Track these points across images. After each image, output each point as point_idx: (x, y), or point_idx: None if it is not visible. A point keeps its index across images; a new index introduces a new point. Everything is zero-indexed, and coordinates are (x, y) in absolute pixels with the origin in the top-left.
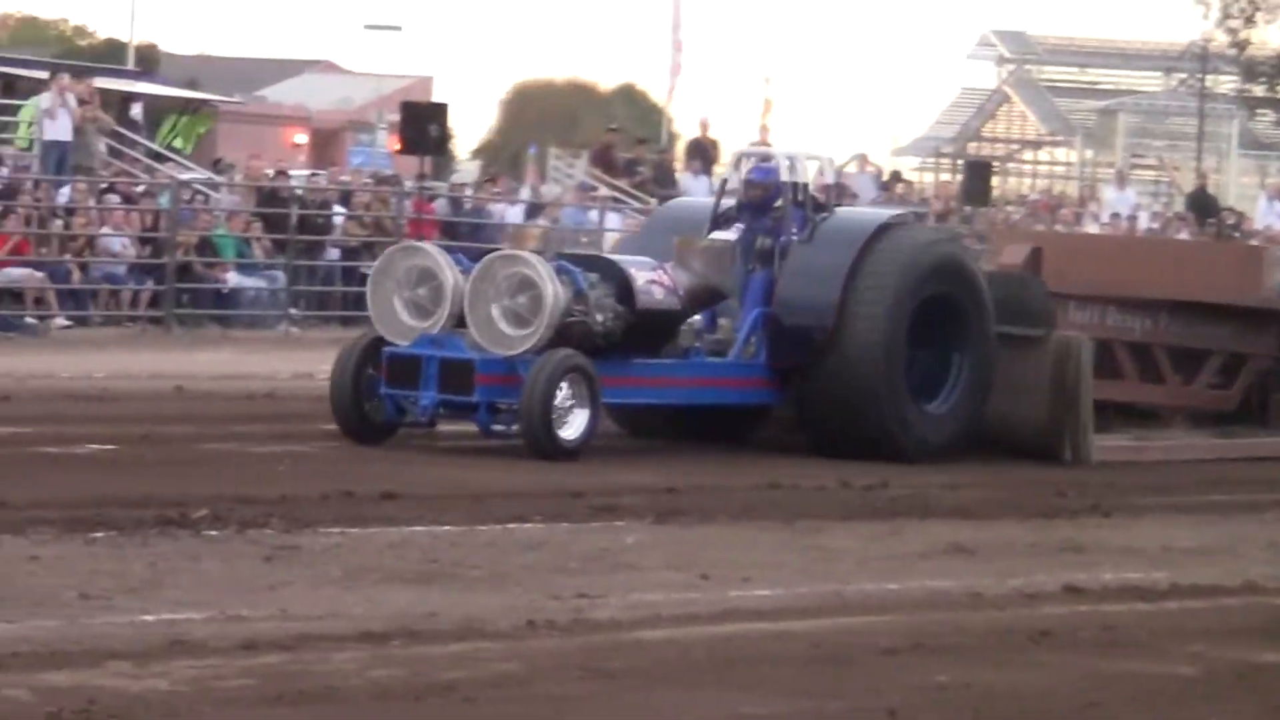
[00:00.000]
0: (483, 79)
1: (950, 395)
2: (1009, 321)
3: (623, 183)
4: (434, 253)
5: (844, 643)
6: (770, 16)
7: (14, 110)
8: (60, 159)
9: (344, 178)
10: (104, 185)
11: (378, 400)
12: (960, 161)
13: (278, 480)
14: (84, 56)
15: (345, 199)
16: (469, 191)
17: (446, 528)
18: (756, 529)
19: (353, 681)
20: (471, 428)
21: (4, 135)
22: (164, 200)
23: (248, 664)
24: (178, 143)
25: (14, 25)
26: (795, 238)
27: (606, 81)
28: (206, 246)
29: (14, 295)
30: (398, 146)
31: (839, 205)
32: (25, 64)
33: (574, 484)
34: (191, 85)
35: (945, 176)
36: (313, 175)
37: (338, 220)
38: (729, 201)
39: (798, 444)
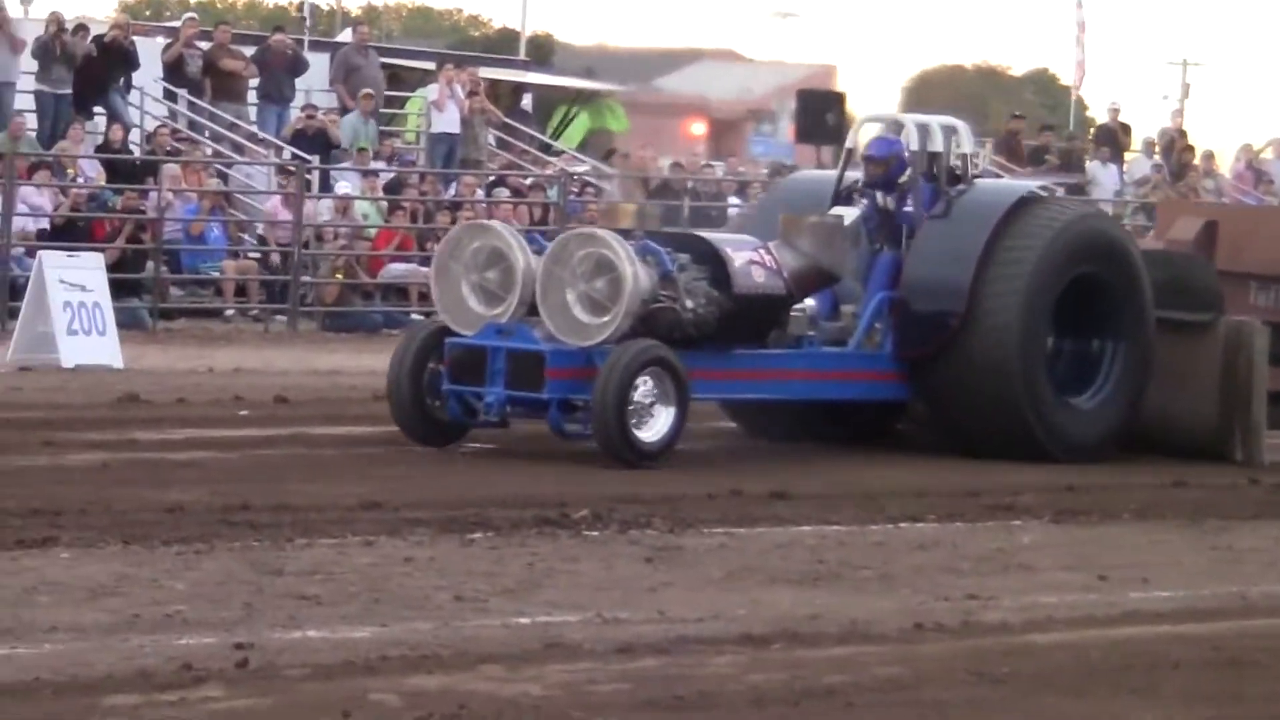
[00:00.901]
0: (885, 66)
1: (1101, 389)
2: (1172, 305)
3: (1028, 172)
4: (504, 232)
5: (1247, 647)
6: None
7: (401, 103)
8: (448, 152)
9: (740, 169)
10: (492, 178)
11: (442, 398)
12: None
13: (662, 479)
14: (476, 47)
15: (741, 190)
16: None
17: (835, 527)
18: (1158, 528)
19: (729, 686)
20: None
21: (391, 128)
22: (553, 193)
23: (623, 668)
24: (567, 135)
25: (406, 15)
26: (925, 214)
27: (1017, 67)
28: None
29: (399, 291)
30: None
31: (978, 178)
32: (412, 55)
33: (971, 482)
34: (586, 74)
35: None
36: (705, 166)
37: (734, 213)
38: (857, 174)
39: (935, 443)
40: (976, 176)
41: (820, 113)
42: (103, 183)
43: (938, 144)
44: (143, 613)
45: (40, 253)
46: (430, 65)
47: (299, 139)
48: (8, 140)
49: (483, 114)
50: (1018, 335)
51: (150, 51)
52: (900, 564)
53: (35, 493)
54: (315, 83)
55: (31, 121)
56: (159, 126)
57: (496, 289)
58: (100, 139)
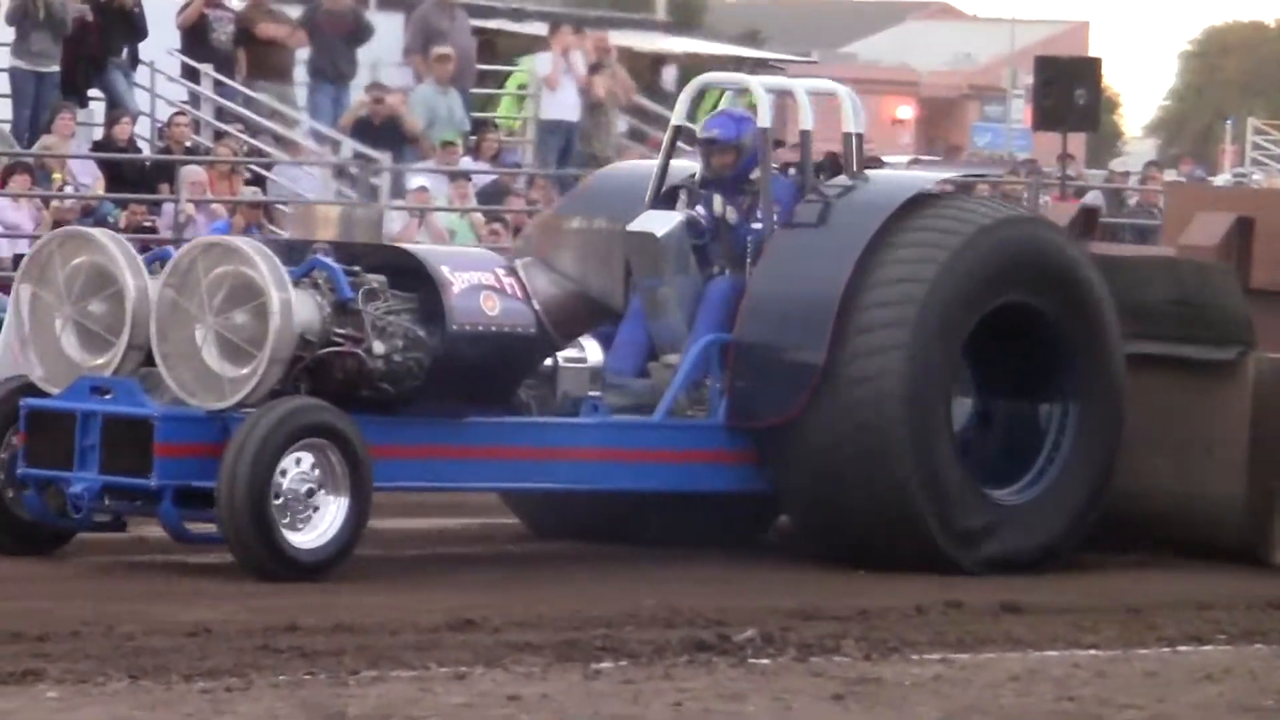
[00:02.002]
0: (1156, 23)
1: (1042, 473)
2: (1181, 339)
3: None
4: (109, 244)
5: None
6: None
7: (500, 80)
8: (565, 145)
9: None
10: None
11: (20, 486)
12: None
13: (854, 587)
14: (601, 4)
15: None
16: (1134, 181)
17: (1091, 652)
18: None
19: None
20: None
21: (486, 114)
22: None
23: None
24: None
25: None
26: (776, 223)
27: None
28: None
29: None
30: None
31: (870, 169)
32: (515, 15)
33: (1272, 591)
34: (749, 40)
35: None
36: (913, 162)
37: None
38: (689, 166)
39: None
40: (868, 167)
41: (1067, 87)
42: (101, 191)
43: (808, 120)
44: None
45: (18, 286)
46: (540, 29)
47: (363, 130)
48: None
49: (611, 94)
50: (903, 396)
51: (163, 14)
52: (1180, 701)
53: (11, 610)
54: (384, 54)
55: (4, 110)
56: (175, 115)
57: (101, 327)
58: (98, 133)
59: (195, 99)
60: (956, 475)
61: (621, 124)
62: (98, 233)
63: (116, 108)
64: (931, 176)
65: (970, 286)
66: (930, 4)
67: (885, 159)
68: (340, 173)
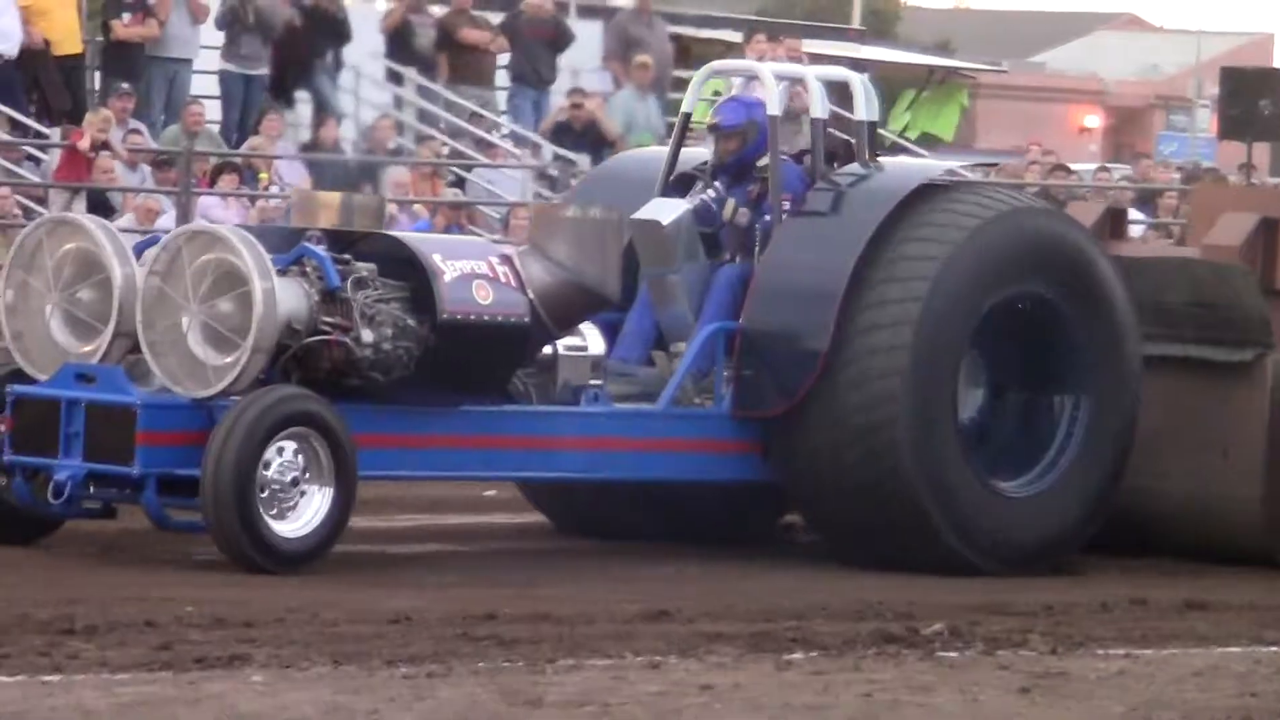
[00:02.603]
0: None
1: (1053, 466)
2: (1198, 339)
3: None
4: (97, 231)
5: None
6: None
7: None
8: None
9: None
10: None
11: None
12: None
13: (1040, 585)
14: (796, 14)
15: (1145, 202)
16: None
17: (1273, 648)
18: None
19: None
20: None
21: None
22: None
23: None
24: (913, 128)
25: None
26: (786, 211)
27: None
28: None
29: None
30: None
31: (885, 156)
32: (711, 23)
33: None
34: (941, 49)
35: None
36: (1100, 170)
37: (1137, 230)
38: (702, 153)
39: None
40: (882, 155)
41: (1252, 97)
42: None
43: (819, 108)
44: None
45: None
46: (735, 37)
47: (562, 133)
48: (183, 135)
49: (801, 100)
50: (909, 387)
51: (368, 19)
52: None
53: (219, 597)
54: (584, 60)
55: (214, 111)
56: (379, 117)
57: (90, 315)
58: (304, 134)
59: (398, 102)
60: (961, 469)
61: None
62: (86, 219)
63: (322, 110)
64: (942, 166)
65: (978, 276)
66: (1118, 15)
67: (1072, 166)
68: (540, 175)
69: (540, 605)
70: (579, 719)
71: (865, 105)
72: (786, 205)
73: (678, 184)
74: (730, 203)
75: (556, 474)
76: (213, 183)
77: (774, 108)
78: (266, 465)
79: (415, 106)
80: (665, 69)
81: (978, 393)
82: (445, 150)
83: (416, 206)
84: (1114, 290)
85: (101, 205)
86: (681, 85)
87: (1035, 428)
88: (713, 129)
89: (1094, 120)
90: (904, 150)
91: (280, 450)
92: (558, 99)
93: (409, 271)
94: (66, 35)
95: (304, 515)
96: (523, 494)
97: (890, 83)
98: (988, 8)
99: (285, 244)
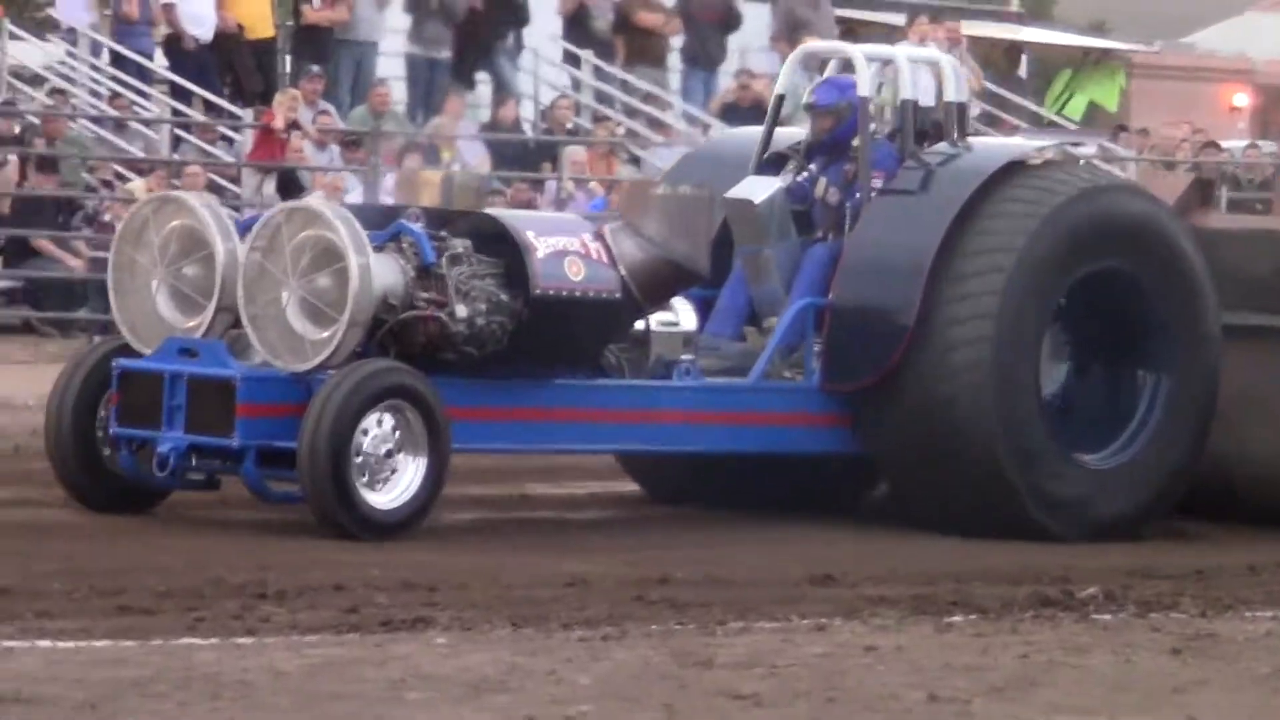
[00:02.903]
0: None
1: (1134, 440)
2: (1267, 308)
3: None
4: (200, 208)
5: None
6: None
7: None
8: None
9: None
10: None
11: (114, 445)
12: None
13: (1191, 549)
14: None
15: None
16: None
17: None
18: None
19: None
20: None
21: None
22: None
23: None
24: (1071, 106)
25: None
26: (875, 191)
27: None
28: None
29: None
30: None
31: (970, 137)
32: (875, 5)
33: None
34: (1096, 30)
35: None
36: (1250, 147)
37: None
38: (797, 133)
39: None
40: (969, 135)
41: None
42: (487, 169)
43: (908, 90)
44: (538, 713)
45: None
46: (899, 19)
47: (730, 113)
48: (369, 115)
49: (966, 80)
50: (993, 360)
51: (546, 3)
52: None
53: (404, 561)
54: (752, 41)
55: (399, 92)
56: (558, 98)
57: (194, 290)
58: (485, 114)
59: (576, 83)
60: (1044, 440)
61: (975, 109)
62: (190, 197)
63: (502, 91)
64: (1030, 145)
65: (1060, 252)
66: None
67: (1223, 144)
68: None
69: (711, 570)
70: (748, 680)
71: (954, 87)
72: (879, 184)
73: (771, 163)
74: (822, 181)
75: (648, 446)
76: (398, 162)
77: (864, 89)
78: (362, 437)
79: (592, 88)
80: None
81: (1062, 367)
82: (621, 130)
83: (593, 184)
84: (1194, 266)
85: (291, 184)
86: (846, 65)
87: (1118, 401)
88: (809, 108)
89: (1242, 99)
90: (1060, 129)
91: (376, 422)
92: (725, 80)
93: (504, 248)
94: (259, 20)
95: (398, 486)
96: (619, 464)
97: (1046, 63)
98: None
99: (385, 221)
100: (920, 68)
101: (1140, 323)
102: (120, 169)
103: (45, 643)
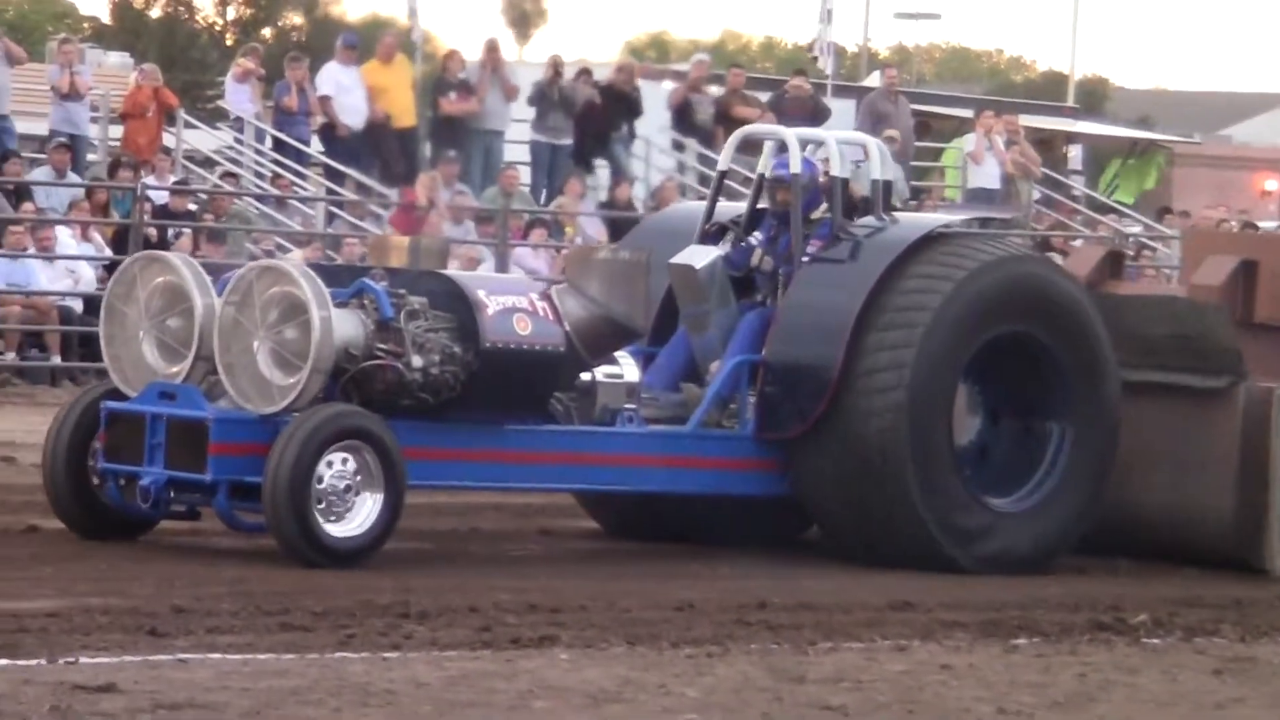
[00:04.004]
0: None
1: (1040, 485)
2: (1179, 368)
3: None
4: (181, 265)
5: None
6: None
7: (935, 154)
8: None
9: None
10: (1035, 240)
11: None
12: None
13: (1230, 580)
14: (1018, 92)
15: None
16: None
17: None
18: None
19: None
20: None
21: (924, 183)
22: None
23: None
24: (1120, 191)
25: (940, 58)
26: (806, 259)
27: None
28: None
29: None
30: None
31: (896, 210)
32: (946, 101)
33: None
34: (1143, 123)
35: None
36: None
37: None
38: (737, 207)
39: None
40: (895, 209)
41: None
42: (605, 240)
43: (838, 168)
44: None
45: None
46: (967, 113)
47: None
48: (500, 195)
49: (1023, 167)
50: (909, 412)
51: (656, 97)
52: None
53: (533, 586)
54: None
55: (526, 175)
56: (666, 180)
57: (175, 341)
58: (602, 194)
59: (681, 167)
60: (955, 482)
61: (1033, 193)
62: (173, 256)
63: (617, 174)
64: (948, 219)
65: (971, 316)
66: None
67: (1259, 224)
68: None
69: (803, 596)
70: (836, 693)
71: (881, 166)
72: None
73: (713, 234)
74: (758, 251)
75: (593, 486)
76: (525, 236)
77: (796, 166)
78: (324, 471)
79: (696, 171)
80: (909, 141)
81: (977, 420)
82: None
83: None
84: (1095, 328)
85: None
86: (924, 154)
87: (1027, 450)
88: (775, 181)
89: (1273, 184)
90: (1115, 212)
91: (335, 460)
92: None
93: (458, 305)
94: (404, 111)
95: (356, 518)
96: (577, 502)
97: (1099, 152)
98: (1184, 88)
99: (350, 279)
100: (849, 149)
101: (1047, 380)
102: (281, 241)
103: (215, 655)
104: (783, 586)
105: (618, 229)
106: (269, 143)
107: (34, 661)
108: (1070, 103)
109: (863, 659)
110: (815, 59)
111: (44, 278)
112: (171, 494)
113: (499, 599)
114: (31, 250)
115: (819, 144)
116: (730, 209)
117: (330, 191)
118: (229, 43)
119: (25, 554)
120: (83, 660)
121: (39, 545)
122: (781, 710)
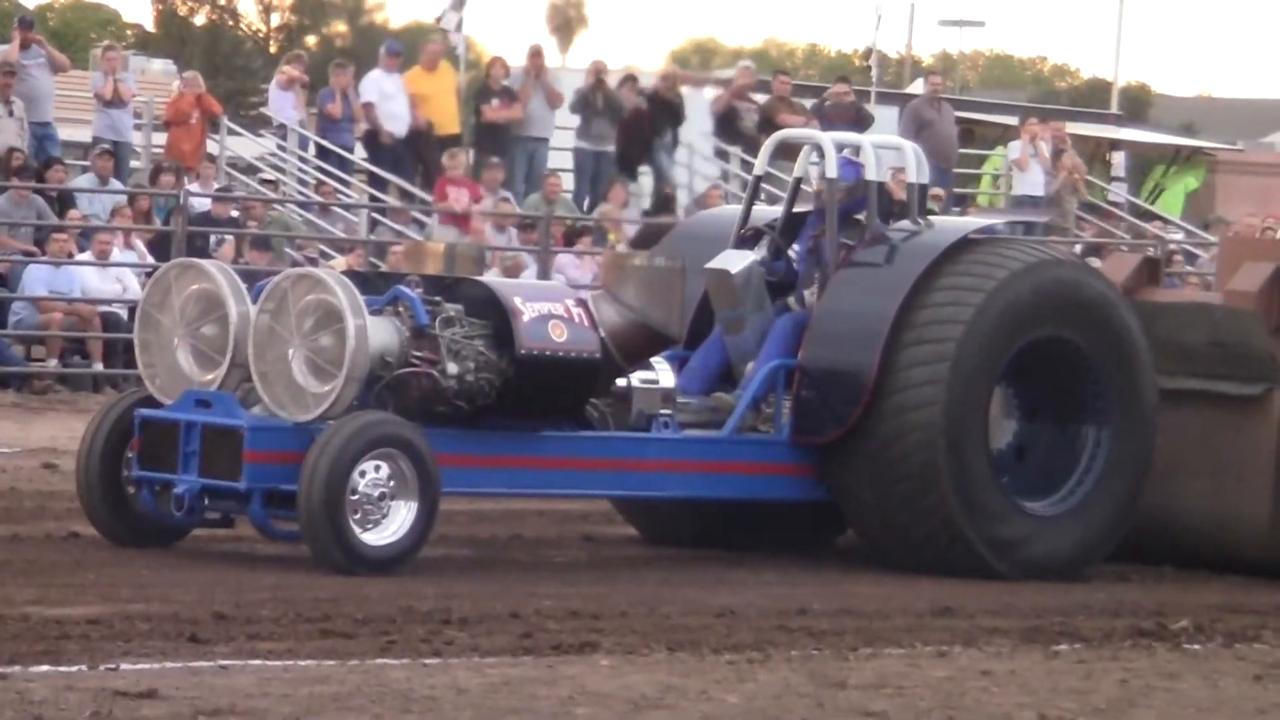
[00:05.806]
0: None
1: (1075, 490)
2: (1214, 376)
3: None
4: (216, 273)
5: None
6: None
7: (978, 161)
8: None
9: None
10: (1079, 247)
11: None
12: None
13: (1272, 584)
14: (1062, 99)
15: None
16: None
17: None
18: None
19: None
20: None
21: (966, 190)
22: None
23: None
24: (1165, 198)
25: (984, 65)
26: (842, 261)
27: None
28: None
29: None
30: None
31: (930, 215)
32: (990, 108)
33: None
34: (1186, 131)
35: None
36: None
37: None
38: (773, 211)
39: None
40: (931, 214)
41: None
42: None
43: (875, 171)
44: None
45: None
46: (1011, 120)
47: None
48: (543, 202)
49: (1069, 175)
50: (944, 416)
51: (700, 104)
52: None
53: (574, 592)
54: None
55: (569, 182)
56: (710, 188)
57: (210, 348)
58: (645, 201)
59: (725, 174)
60: (990, 487)
61: (1076, 201)
62: (208, 264)
63: (661, 181)
64: (982, 223)
65: (1006, 320)
66: None
67: None
68: None
69: (844, 602)
70: (877, 699)
71: (916, 170)
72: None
73: (749, 238)
74: (793, 255)
75: (629, 492)
76: (568, 243)
77: (832, 171)
78: (358, 480)
79: (739, 178)
80: (952, 147)
81: (1013, 423)
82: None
83: None
84: (1132, 333)
85: None
86: (967, 161)
87: (1063, 454)
88: (829, 184)
89: None
90: (1159, 219)
91: (370, 468)
92: None
93: (494, 312)
94: (447, 118)
95: (390, 526)
96: (614, 507)
97: (1142, 159)
98: (1227, 96)
99: (386, 287)
100: (886, 153)
101: (1083, 385)
102: (324, 247)
103: (256, 662)
104: (824, 592)
105: (661, 235)
106: (312, 150)
107: (76, 668)
108: (1114, 110)
109: (904, 665)
110: (869, 67)
111: (93, 283)
112: (206, 501)
113: (540, 605)
114: (78, 257)
115: (855, 149)
116: (766, 213)
117: (373, 198)
118: (273, 50)
119: (67, 560)
120: (124, 666)
121: (81, 551)
122: (823, 716)
